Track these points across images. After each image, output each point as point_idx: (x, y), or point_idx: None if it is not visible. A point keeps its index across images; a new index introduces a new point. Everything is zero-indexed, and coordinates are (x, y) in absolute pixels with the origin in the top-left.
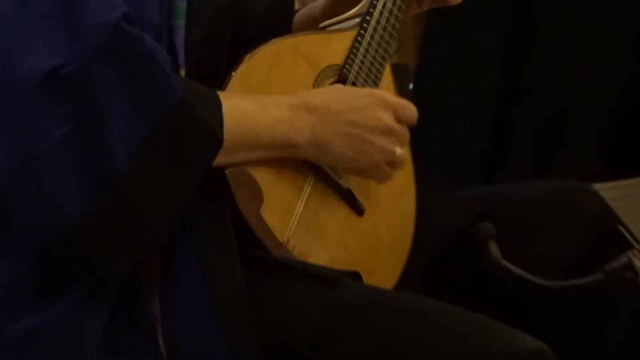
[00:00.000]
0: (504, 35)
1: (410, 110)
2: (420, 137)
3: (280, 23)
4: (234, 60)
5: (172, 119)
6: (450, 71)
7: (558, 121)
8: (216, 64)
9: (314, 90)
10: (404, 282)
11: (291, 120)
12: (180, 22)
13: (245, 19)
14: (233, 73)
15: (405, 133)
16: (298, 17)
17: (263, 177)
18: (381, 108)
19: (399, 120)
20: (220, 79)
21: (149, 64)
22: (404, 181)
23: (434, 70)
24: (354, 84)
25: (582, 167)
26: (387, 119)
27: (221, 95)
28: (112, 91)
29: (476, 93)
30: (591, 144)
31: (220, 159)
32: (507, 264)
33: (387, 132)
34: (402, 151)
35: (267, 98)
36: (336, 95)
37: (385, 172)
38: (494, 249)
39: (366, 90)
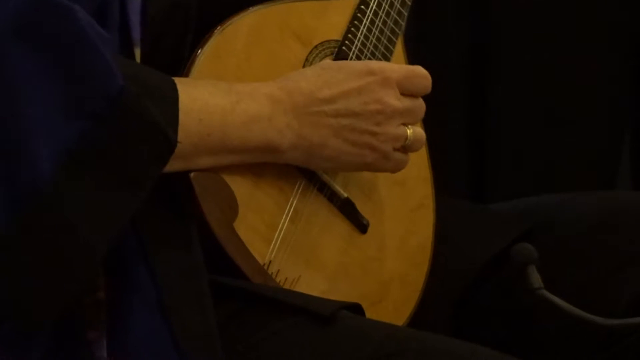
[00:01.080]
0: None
1: (419, 77)
2: None
3: None
4: (201, 37)
5: (110, 116)
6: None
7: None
8: (180, 42)
9: (296, 74)
10: (421, 317)
11: (271, 118)
12: None
13: None
14: (199, 52)
15: (418, 107)
16: None
17: (239, 182)
18: (382, 87)
19: (408, 94)
20: (184, 61)
21: (80, 44)
22: (420, 190)
23: None
24: None
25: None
26: (392, 99)
27: (180, 83)
28: (32, 78)
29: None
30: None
31: (176, 165)
32: (550, 296)
33: (393, 115)
34: (415, 130)
35: (241, 88)
36: (326, 77)
37: (397, 161)
38: (534, 277)
39: (362, 65)
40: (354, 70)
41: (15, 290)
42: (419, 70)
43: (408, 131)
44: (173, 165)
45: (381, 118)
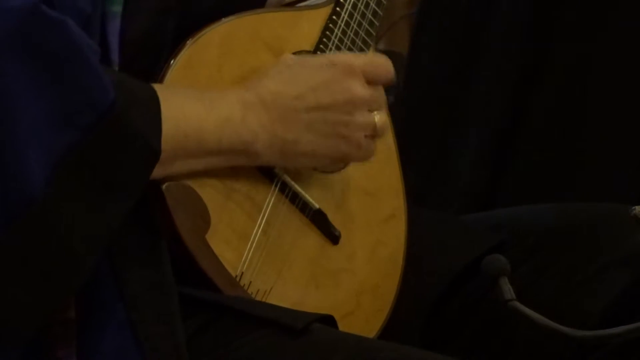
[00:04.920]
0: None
1: (382, 67)
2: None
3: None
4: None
5: (100, 128)
6: (448, 65)
7: (578, 129)
8: (154, 63)
9: (261, 75)
10: (393, 329)
11: (243, 119)
12: (116, 9)
13: (195, 5)
14: (172, 62)
15: (381, 95)
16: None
17: (211, 194)
18: (347, 76)
19: (371, 83)
20: (156, 78)
21: (74, 58)
22: (391, 201)
23: (427, 66)
24: None
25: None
26: (358, 87)
27: (157, 89)
28: (26, 92)
29: (481, 95)
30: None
31: (156, 170)
32: (522, 308)
33: (361, 103)
34: (381, 117)
35: (212, 94)
36: (291, 74)
37: (368, 148)
38: (506, 289)
39: (324, 59)
40: (317, 64)
41: (2, 301)
42: (381, 58)
43: (375, 117)
44: (152, 173)
45: (350, 107)
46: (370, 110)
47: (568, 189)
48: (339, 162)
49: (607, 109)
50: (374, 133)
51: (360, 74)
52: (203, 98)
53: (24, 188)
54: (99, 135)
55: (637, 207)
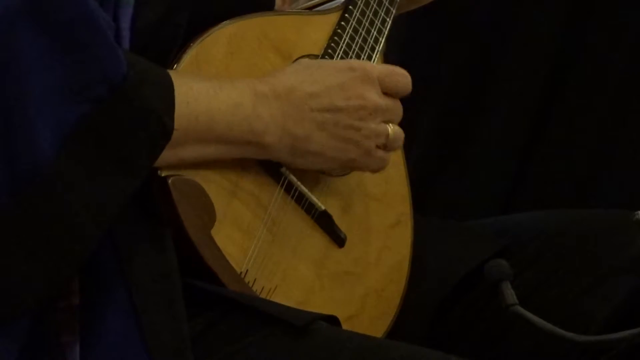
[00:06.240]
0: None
1: (400, 77)
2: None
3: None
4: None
5: (112, 100)
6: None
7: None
8: (165, 56)
9: (281, 71)
10: (397, 333)
11: (255, 108)
12: None
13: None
14: (178, 61)
15: (397, 107)
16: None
17: (216, 190)
18: (364, 83)
19: (388, 93)
20: None
21: (89, 28)
22: (398, 207)
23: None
24: None
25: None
26: (373, 95)
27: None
28: (39, 61)
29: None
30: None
31: (166, 153)
32: (524, 312)
33: (375, 111)
34: (395, 129)
35: (221, 81)
36: (308, 73)
37: (379, 159)
38: (508, 293)
39: (343, 63)
40: (334, 67)
41: (6, 270)
42: (399, 69)
43: (389, 128)
44: (163, 156)
45: (363, 113)
46: (385, 121)
47: (589, 199)
48: (347, 167)
49: (628, 116)
50: (386, 143)
51: (376, 82)
52: (211, 81)
53: (33, 158)
54: (110, 107)
55: (639, 212)
